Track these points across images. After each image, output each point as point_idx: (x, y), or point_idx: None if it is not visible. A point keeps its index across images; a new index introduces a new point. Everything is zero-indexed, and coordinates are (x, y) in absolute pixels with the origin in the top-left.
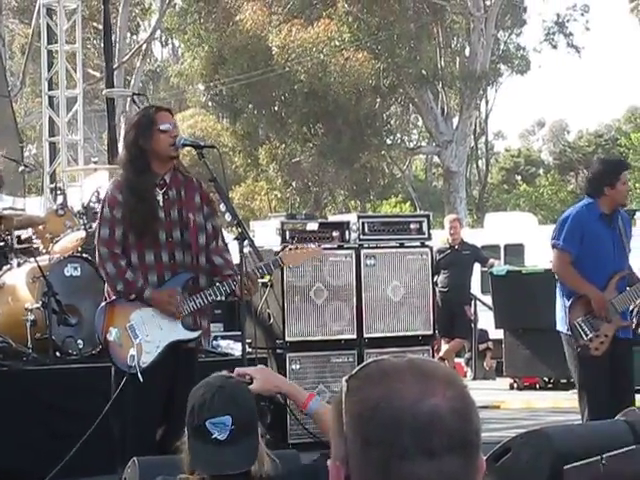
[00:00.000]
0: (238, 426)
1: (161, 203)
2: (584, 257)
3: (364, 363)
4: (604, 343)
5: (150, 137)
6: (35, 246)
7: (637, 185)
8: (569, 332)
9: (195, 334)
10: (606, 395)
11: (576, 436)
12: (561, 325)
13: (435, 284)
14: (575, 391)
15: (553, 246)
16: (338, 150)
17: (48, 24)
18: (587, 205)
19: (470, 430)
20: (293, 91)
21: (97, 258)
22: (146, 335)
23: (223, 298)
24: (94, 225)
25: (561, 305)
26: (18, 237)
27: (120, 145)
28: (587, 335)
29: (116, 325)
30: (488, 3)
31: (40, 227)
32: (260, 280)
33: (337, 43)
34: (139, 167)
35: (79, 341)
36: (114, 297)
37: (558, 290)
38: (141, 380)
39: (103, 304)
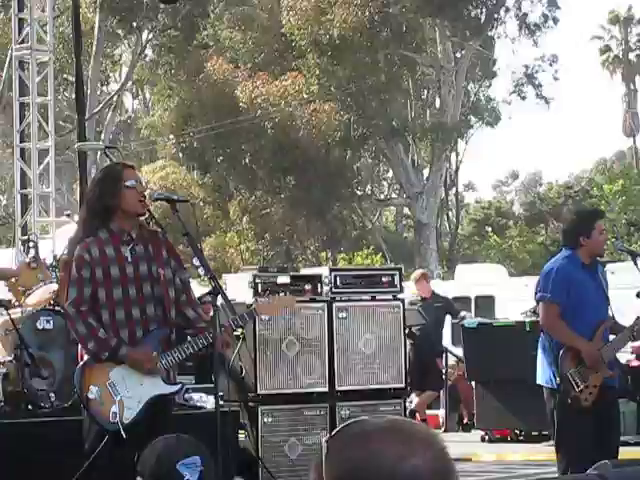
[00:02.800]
0: (206, 467)
1: (129, 259)
2: (570, 308)
3: (344, 423)
4: (592, 394)
5: (116, 194)
6: (7, 299)
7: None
8: (556, 385)
9: (175, 388)
10: (590, 446)
11: None
12: (543, 378)
13: (406, 336)
14: (547, 443)
15: (540, 299)
16: (309, 202)
17: (20, 76)
18: (568, 257)
19: None
20: (261, 144)
21: (67, 319)
22: (127, 391)
23: (199, 350)
24: None
25: (544, 358)
26: None
27: None
28: (579, 386)
29: (96, 383)
30: (458, 55)
31: (12, 280)
32: (242, 325)
33: (305, 95)
34: (102, 224)
35: (51, 394)
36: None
37: (541, 343)
38: (124, 436)
39: (81, 363)
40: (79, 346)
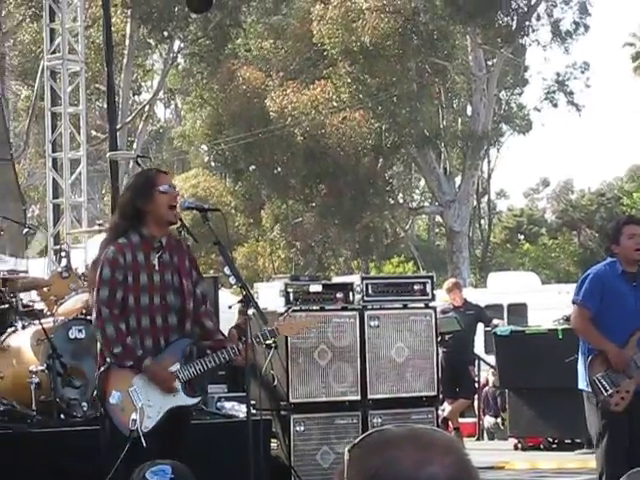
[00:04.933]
0: (177, 477)
1: (157, 267)
2: (604, 314)
3: (367, 432)
4: (625, 399)
5: (149, 198)
6: (39, 308)
7: None
8: (589, 388)
9: (195, 400)
10: (624, 452)
11: None
12: (581, 382)
13: (438, 344)
14: (580, 452)
15: (573, 302)
16: (340, 210)
17: (52, 86)
18: (609, 263)
19: None
20: (292, 153)
21: (95, 318)
22: (148, 400)
23: (220, 364)
24: None
25: (582, 363)
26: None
27: None
28: (607, 391)
29: (118, 389)
30: (490, 63)
31: (45, 289)
32: (265, 342)
33: (335, 104)
34: (134, 228)
35: (83, 403)
36: (109, 360)
37: (580, 348)
38: (144, 444)
39: (103, 368)
40: (98, 349)
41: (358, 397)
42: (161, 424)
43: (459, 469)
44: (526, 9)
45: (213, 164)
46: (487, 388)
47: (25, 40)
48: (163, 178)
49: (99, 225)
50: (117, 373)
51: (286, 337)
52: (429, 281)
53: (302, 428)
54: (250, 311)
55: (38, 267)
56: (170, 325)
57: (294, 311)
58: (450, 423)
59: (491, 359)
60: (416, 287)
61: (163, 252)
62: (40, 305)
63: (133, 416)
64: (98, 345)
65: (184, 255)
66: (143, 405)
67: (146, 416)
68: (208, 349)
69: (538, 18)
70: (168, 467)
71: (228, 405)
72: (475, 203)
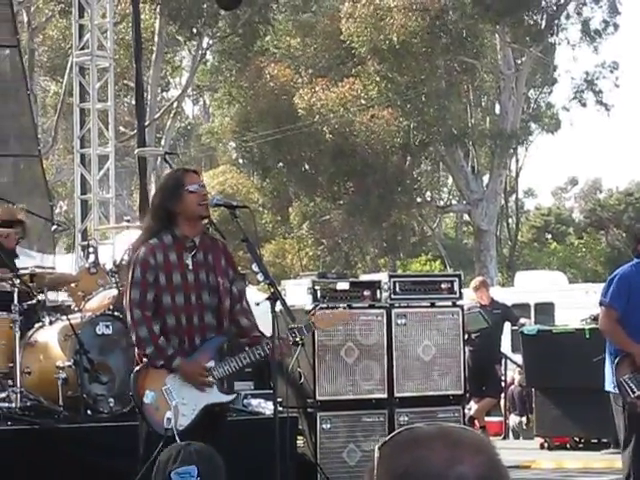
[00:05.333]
0: (204, 478)
1: (190, 266)
2: (631, 314)
3: (397, 431)
4: None
5: (178, 199)
6: (67, 304)
7: None
8: (616, 390)
9: (230, 397)
10: None
11: None
12: (608, 384)
13: (465, 343)
14: (607, 451)
15: (600, 304)
16: (368, 208)
17: (80, 82)
18: (635, 264)
19: None
20: (320, 150)
21: (130, 320)
22: (182, 398)
23: (256, 361)
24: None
25: (609, 364)
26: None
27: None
28: (634, 392)
29: (152, 388)
30: (519, 62)
31: (72, 285)
32: (300, 336)
33: (363, 101)
34: (166, 229)
35: (110, 399)
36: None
37: (607, 349)
38: (179, 443)
39: (137, 367)
40: (136, 350)
41: (385, 395)
42: (197, 422)
43: (489, 468)
44: (555, 8)
45: (241, 161)
46: (513, 387)
47: (54, 36)
48: (191, 177)
49: (127, 221)
50: (151, 373)
51: (313, 334)
52: (457, 279)
53: (328, 426)
54: (277, 308)
55: (66, 263)
56: (207, 324)
57: (321, 309)
58: (476, 422)
59: (518, 358)
60: (444, 285)
61: (197, 252)
62: (68, 301)
63: (168, 415)
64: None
65: (220, 253)
66: (177, 403)
67: (181, 414)
68: (245, 346)
69: (567, 17)
70: (194, 468)
71: (255, 402)
72: (503, 202)
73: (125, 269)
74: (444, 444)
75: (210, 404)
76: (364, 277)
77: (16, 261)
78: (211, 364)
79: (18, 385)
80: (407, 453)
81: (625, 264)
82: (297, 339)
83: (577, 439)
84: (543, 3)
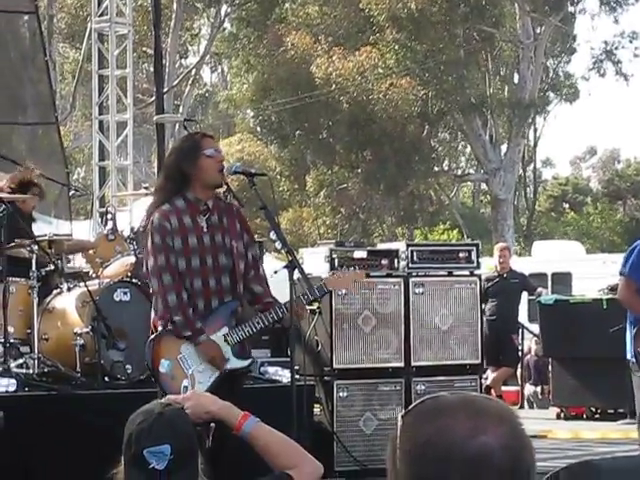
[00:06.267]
0: (177, 455)
1: (205, 229)
2: None
3: (420, 400)
4: None
5: (195, 162)
6: (85, 270)
7: None
8: (633, 359)
9: (246, 362)
10: None
11: (627, 469)
12: (629, 353)
13: (482, 312)
14: (624, 422)
15: (620, 274)
16: (385, 177)
17: (99, 49)
18: None
19: (520, 468)
20: (338, 119)
21: (157, 286)
22: (198, 365)
23: (269, 325)
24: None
25: (630, 333)
26: (68, 260)
27: None
28: None
29: (167, 357)
30: (538, 31)
31: (90, 252)
32: (309, 307)
33: (381, 70)
34: (179, 191)
35: (127, 366)
36: (162, 328)
37: (628, 319)
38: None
39: (152, 336)
40: (152, 317)
41: (402, 364)
42: (213, 389)
43: (512, 438)
44: None
45: (259, 129)
46: (529, 356)
47: (73, 2)
48: (209, 142)
49: (145, 188)
50: (166, 341)
51: (330, 302)
52: (474, 249)
53: (345, 394)
54: (295, 276)
55: (83, 230)
56: (223, 287)
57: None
58: (493, 391)
59: (535, 328)
60: (461, 255)
61: (211, 214)
62: (85, 267)
63: (184, 383)
64: (152, 314)
65: (234, 218)
66: (193, 371)
67: (197, 382)
68: (258, 312)
69: None
70: (167, 447)
71: (272, 370)
72: (520, 171)
73: (143, 236)
74: (467, 414)
75: (226, 370)
76: (381, 246)
77: (33, 225)
78: (225, 329)
79: (36, 351)
80: (430, 422)
81: None
82: (310, 301)
83: (593, 409)
84: None
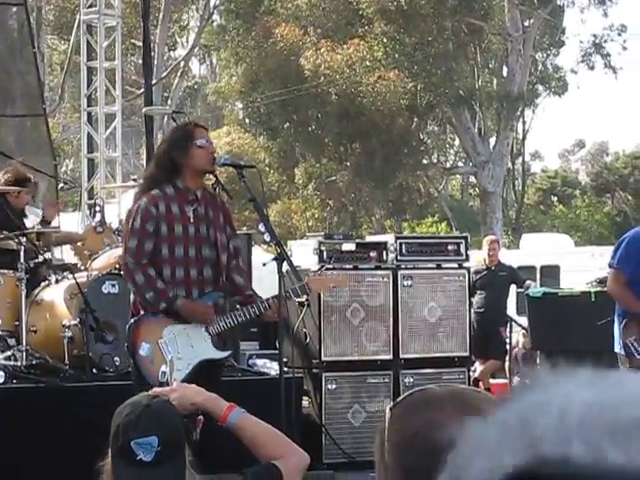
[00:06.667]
0: (164, 447)
1: (191, 219)
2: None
3: (409, 392)
4: None
5: (186, 151)
6: (73, 263)
7: None
8: (622, 351)
9: (225, 354)
10: None
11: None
12: (617, 345)
13: (471, 305)
14: None
15: (609, 266)
16: (374, 169)
17: (88, 40)
18: None
19: None
20: (327, 111)
21: (124, 270)
22: (177, 352)
23: (250, 319)
24: None
25: (617, 326)
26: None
27: None
28: None
29: (148, 340)
30: (526, 24)
31: (78, 244)
32: (297, 300)
33: (369, 63)
34: (169, 179)
35: (116, 358)
36: (142, 311)
37: (616, 311)
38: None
39: (132, 320)
40: (131, 300)
41: (390, 356)
42: (190, 377)
43: None
44: None
45: (247, 121)
46: (517, 349)
47: None
48: (200, 132)
49: (133, 180)
50: (147, 325)
51: (319, 295)
52: (463, 241)
53: (334, 386)
54: (284, 268)
55: (71, 222)
56: (205, 278)
57: (327, 269)
58: (481, 384)
59: (523, 320)
60: (450, 247)
61: (198, 205)
62: (74, 260)
63: (163, 368)
64: (131, 297)
65: (219, 210)
66: (173, 357)
67: (176, 368)
68: (238, 304)
69: None
70: (154, 438)
71: (260, 362)
72: (509, 164)
73: (126, 220)
74: (455, 406)
75: (205, 359)
76: (370, 238)
77: (25, 221)
78: None
79: (24, 343)
80: (418, 414)
81: (631, 227)
82: (292, 298)
83: None
84: None
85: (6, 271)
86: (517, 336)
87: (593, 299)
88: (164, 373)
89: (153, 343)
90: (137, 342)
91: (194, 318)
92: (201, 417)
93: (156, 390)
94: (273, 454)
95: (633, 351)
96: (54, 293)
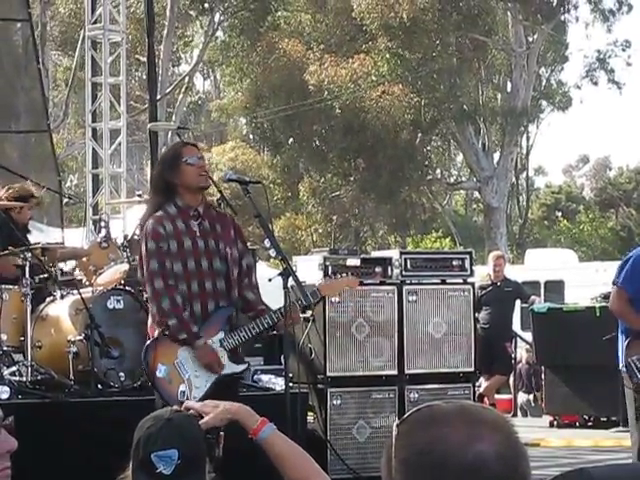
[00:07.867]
0: (185, 461)
1: (198, 233)
2: None
3: (415, 408)
4: None
5: (177, 170)
6: (78, 278)
7: None
8: (624, 369)
9: (242, 367)
10: None
11: (620, 477)
12: (621, 363)
13: (476, 320)
14: (617, 430)
15: (613, 283)
16: (378, 185)
17: (92, 56)
18: None
19: (516, 477)
20: (331, 126)
21: (150, 292)
22: (195, 371)
23: (263, 331)
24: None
25: (621, 343)
26: (61, 269)
27: None
28: None
29: (164, 362)
30: (530, 39)
31: (84, 259)
32: (302, 315)
33: (374, 78)
34: (167, 200)
35: (121, 374)
36: (158, 334)
37: (620, 328)
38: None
39: (149, 342)
40: (149, 323)
41: (395, 372)
42: (210, 393)
43: (507, 446)
44: None
45: (251, 137)
46: (521, 365)
47: (66, 10)
48: (190, 150)
49: (138, 196)
50: (162, 346)
51: (324, 310)
52: (468, 257)
53: (339, 402)
54: (290, 284)
55: (76, 237)
56: (219, 290)
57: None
58: (486, 399)
59: (528, 336)
60: (455, 263)
61: (202, 220)
62: (79, 275)
63: (181, 388)
64: (149, 320)
65: (229, 225)
66: (190, 376)
67: (194, 387)
68: (250, 319)
69: None
70: (175, 451)
71: (265, 378)
72: (513, 179)
73: (136, 244)
74: (463, 422)
75: (223, 375)
76: (375, 254)
77: (28, 236)
78: (221, 335)
79: (29, 359)
80: (425, 430)
81: (636, 244)
82: (304, 306)
83: (586, 417)
84: None
85: (11, 287)
86: (521, 351)
87: (598, 314)
88: (183, 392)
89: (169, 364)
90: (154, 365)
91: (203, 361)
92: (222, 432)
93: (188, 404)
94: (298, 475)
95: (635, 370)
96: (59, 308)
